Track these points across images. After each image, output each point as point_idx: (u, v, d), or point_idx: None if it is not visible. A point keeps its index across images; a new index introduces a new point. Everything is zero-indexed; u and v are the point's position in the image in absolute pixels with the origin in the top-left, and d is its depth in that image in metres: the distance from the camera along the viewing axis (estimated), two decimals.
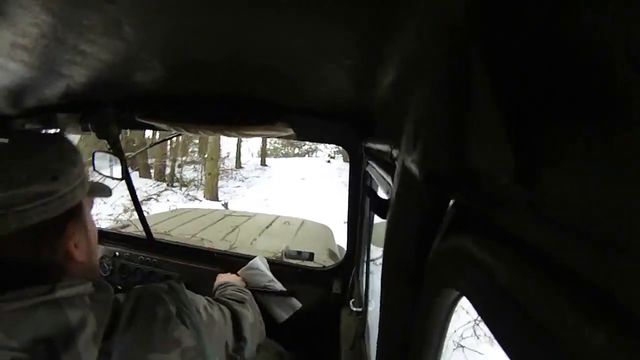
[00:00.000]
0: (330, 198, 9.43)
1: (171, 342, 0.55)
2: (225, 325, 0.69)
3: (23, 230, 0.50)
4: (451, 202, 0.31)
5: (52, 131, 1.40)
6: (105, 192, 0.71)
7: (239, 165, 16.73)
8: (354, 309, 1.27)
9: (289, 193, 10.75)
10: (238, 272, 1.38)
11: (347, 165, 1.37)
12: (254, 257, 1.49)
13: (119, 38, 0.61)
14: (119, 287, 1.46)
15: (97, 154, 1.50)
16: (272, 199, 10.15)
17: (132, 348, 0.52)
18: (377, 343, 0.49)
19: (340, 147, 1.33)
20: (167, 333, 0.55)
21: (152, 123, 1.25)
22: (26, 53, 0.71)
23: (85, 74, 0.88)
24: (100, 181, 0.78)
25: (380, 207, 0.54)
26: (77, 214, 0.58)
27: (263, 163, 17.93)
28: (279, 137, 1.23)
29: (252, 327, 0.75)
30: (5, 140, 0.55)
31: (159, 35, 0.61)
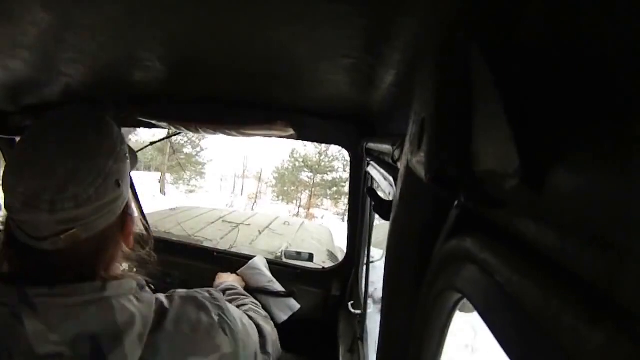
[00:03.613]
0: None
1: (211, 348, 0.58)
2: (255, 337, 0.72)
3: (91, 237, 0.51)
4: (455, 203, 0.31)
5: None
6: (136, 162, 0.68)
7: None
8: (353, 311, 1.27)
9: None
10: (237, 272, 1.38)
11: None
12: (254, 256, 1.48)
13: (119, 37, 0.61)
14: None
15: None
16: None
17: (175, 350, 0.54)
18: (378, 344, 0.49)
19: None
20: (209, 339, 0.58)
21: (153, 122, 1.25)
22: (26, 51, 0.71)
23: (85, 72, 0.87)
24: None
25: (383, 208, 0.54)
26: (128, 204, 0.58)
27: None
28: (279, 137, 1.22)
29: (274, 343, 0.78)
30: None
31: (158, 35, 0.61)
